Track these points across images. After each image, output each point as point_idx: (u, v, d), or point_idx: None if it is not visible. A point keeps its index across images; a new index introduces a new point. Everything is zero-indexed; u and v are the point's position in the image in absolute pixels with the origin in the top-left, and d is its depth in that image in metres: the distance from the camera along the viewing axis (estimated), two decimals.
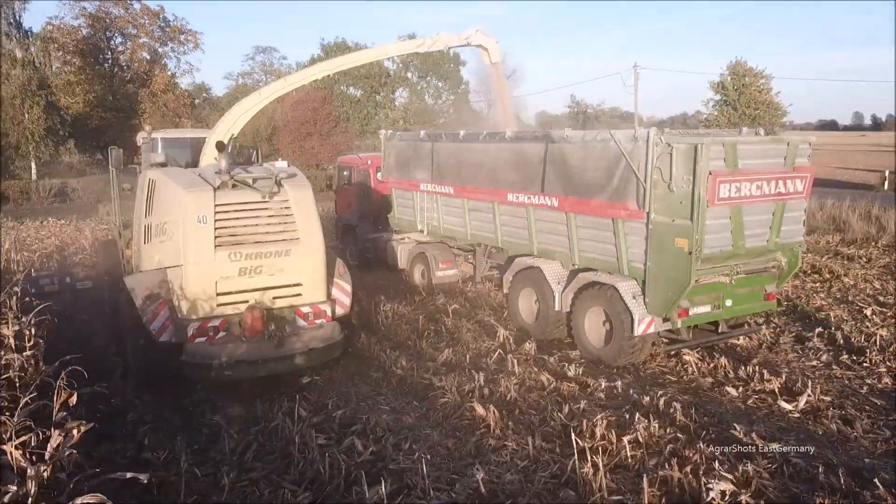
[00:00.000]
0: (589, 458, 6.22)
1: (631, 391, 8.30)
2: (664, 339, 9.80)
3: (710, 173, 8.17)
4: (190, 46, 49.56)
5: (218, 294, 8.38)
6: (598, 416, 7.13)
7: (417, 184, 13.49)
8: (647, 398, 7.96)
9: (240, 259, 8.40)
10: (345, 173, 17.36)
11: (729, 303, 9.30)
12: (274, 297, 8.66)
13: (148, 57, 48.01)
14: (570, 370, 9.07)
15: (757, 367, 9.09)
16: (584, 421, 7.18)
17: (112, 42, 47.31)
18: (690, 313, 9.06)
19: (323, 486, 6.22)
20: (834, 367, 9.48)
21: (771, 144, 9.08)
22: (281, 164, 9.55)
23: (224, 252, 8.33)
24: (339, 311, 9.24)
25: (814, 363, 9.68)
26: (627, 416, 7.38)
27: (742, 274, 9.28)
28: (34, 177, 36.67)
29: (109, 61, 47.46)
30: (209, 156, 11.18)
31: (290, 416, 7.43)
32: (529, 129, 13.33)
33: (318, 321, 8.89)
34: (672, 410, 7.59)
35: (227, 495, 6.15)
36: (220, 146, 9.34)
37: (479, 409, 7.54)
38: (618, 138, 9.04)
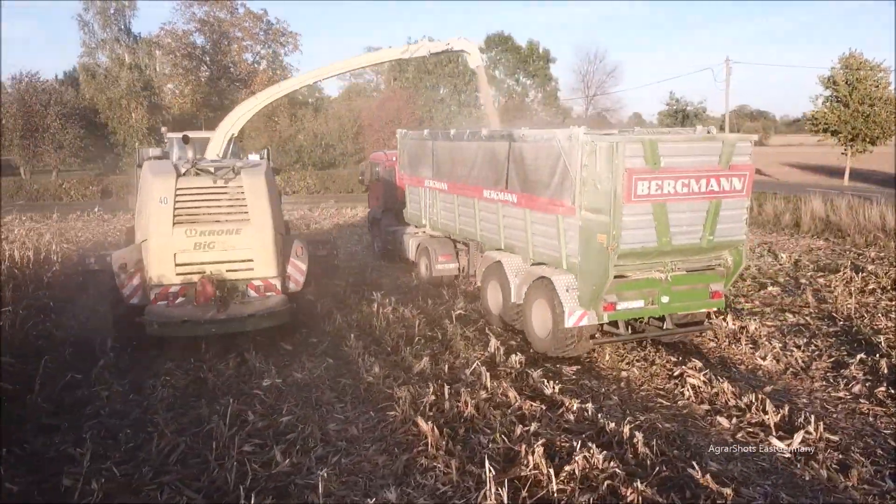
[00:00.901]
0: (499, 490, 5.61)
1: (600, 416, 7.51)
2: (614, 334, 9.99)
3: (626, 171, 8.35)
4: (290, 48, 51.44)
5: (177, 265, 9.62)
6: (538, 443, 6.47)
7: (423, 180, 14.15)
8: (613, 424, 7.17)
9: (194, 235, 9.63)
10: (375, 169, 17.89)
11: (665, 299, 9.36)
12: (228, 270, 9.84)
13: (250, 59, 50.30)
14: (550, 388, 8.35)
15: (761, 396, 8.00)
16: (524, 446, 6.54)
17: (219, 45, 49.75)
18: (619, 308, 9.23)
19: (222, 497, 5.99)
20: (862, 400, 8.24)
21: (701, 143, 9.10)
22: (253, 157, 11.17)
23: (181, 229, 9.59)
24: (293, 286, 10.38)
25: (841, 394, 8.47)
26: (577, 444, 6.66)
27: (681, 271, 9.41)
28: None
29: (215, 64, 49.97)
30: (212, 151, 12.49)
31: (226, 420, 7.25)
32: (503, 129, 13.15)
33: (268, 294, 10.01)
34: (635, 440, 6.78)
35: (132, 497, 6.05)
36: (186, 139, 10.98)
37: (423, 426, 7.05)
38: (558, 137, 9.35)
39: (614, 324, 9.98)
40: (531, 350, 10.15)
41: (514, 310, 10.67)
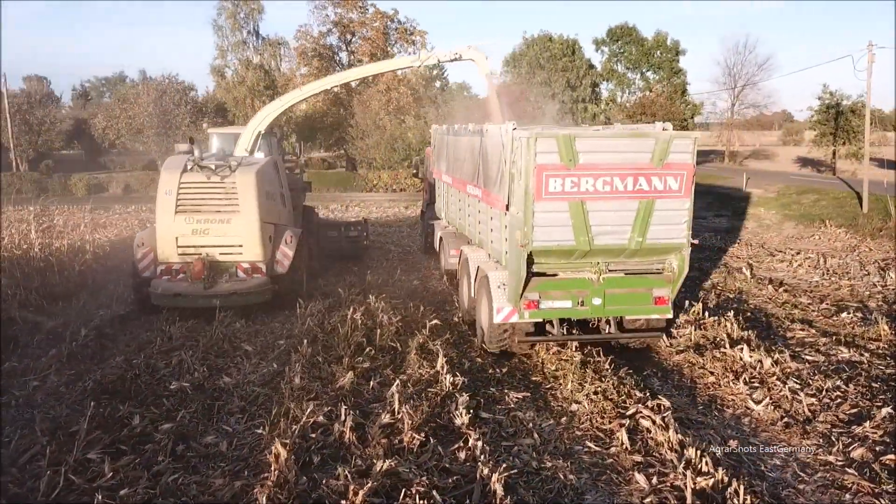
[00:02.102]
0: None
1: (481, 454, 6.37)
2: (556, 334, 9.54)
3: (536, 167, 8.14)
4: (417, 46, 51.86)
5: (178, 247, 11.22)
6: (353, 487, 5.54)
7: (441, 174, 14.26)
8: (487, 469, 6.03)
9: (192, 222, 11.18)
10: (426, 164, 17.97)
11: (597, 301, 8.95)
12: (221, 253, 11.34)
13: (381, 57, 51.27)
14: (461, 417, 7.27)
15: (708, 453, 6.42)
16: (369, 485, 5.65)
17: (349, 45, 51.30)
18: (542, 307, 8.91)
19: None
20: (851, 471, 6.41)
21: (628, 139, 8.62)
22: (259, 155, 12.94)
23: (182, 216, 11.17)
24: (279, 269, 11.81)
25: (830, 458, 6.69)
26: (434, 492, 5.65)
27: (618, 273, 9.01)
28: None
29: (345, 63, 51.58)
30: (241, 146, 13.46)
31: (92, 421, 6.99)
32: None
33: (254, 275, 11.46)
34: (496, 492, 5.64)
35: None
36: (191, 140, 12.27)
37: (278, 450, 6.32)
38: (501, 132, 9.02)
39: (588, 325, 9.76)
40: (484, 368, 9.18)
41: (471, 304, 10.79)
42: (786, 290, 13.69)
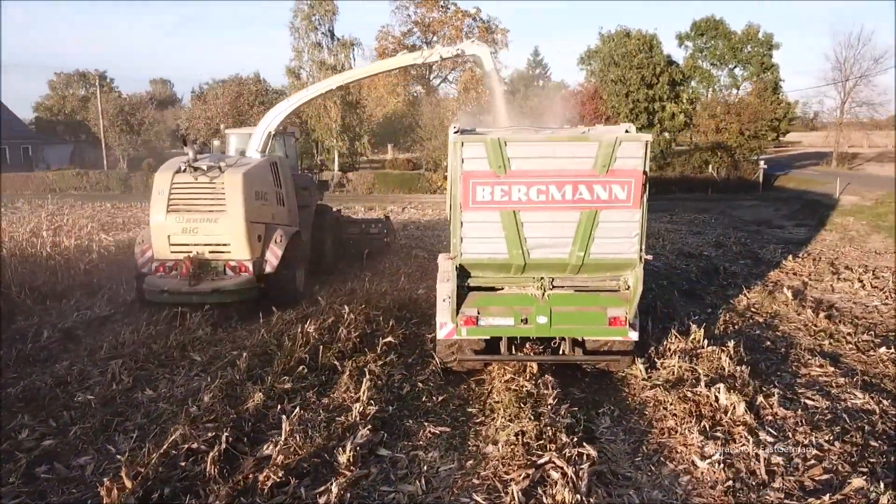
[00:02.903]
0: None
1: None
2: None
3: (463, 174, 7.56)
4: (499, 45, 50.97)
5: (171, 244, 11.47)
6: None
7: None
8: None
9: (182, 221, 11.38)
10: None
11: (542, 320, 8.15)
12: (210, 252, 11.52)
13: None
14: (345, 454, 6.50)
15: None
16: None
17: (430, 45, 51.18)
18: (481, 323, 8.20)
19: None
20: None
21: (567, 144, 7.72)
22: (254, 155, 13.01)
23: (173, 215, 11.38)
24: (268, 268, 11.86)
25: None
26: None
27: (567, 289, 8.23)
28: (336, 169, 41.96)
29: (424, 64, 51.44)
30: (252, 146, 13.64)
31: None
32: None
33: (242, 274, 11.55)
34: None
35: None
36: (185, 141, 12.52)
37: (110, 485, 5.80)
38: (450, 135, 8.23)
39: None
40: (419, 395, 8.38)
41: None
42: (828, 316, 11.92)
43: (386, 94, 47.66)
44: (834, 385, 8.68)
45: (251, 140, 14.25)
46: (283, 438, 6.75)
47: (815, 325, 11.53)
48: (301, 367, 8.86)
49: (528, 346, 9.62)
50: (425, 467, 6.56)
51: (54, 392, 8.24)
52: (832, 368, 9.26)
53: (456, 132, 7.97)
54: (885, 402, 8.06)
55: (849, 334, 10.98)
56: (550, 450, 6.62)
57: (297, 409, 7.59)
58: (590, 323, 8.24)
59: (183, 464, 6.39)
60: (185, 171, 11.59)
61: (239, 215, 11.42)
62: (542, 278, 8.11)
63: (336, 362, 9.09)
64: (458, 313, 8.11)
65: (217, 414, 7.46)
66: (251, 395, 7.88)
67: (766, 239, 22.44)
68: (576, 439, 6.84)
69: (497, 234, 7.75)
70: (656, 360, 9.34)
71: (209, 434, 6.85)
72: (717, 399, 7.82)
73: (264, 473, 6.15)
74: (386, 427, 7.42)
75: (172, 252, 11.51)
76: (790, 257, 17.96)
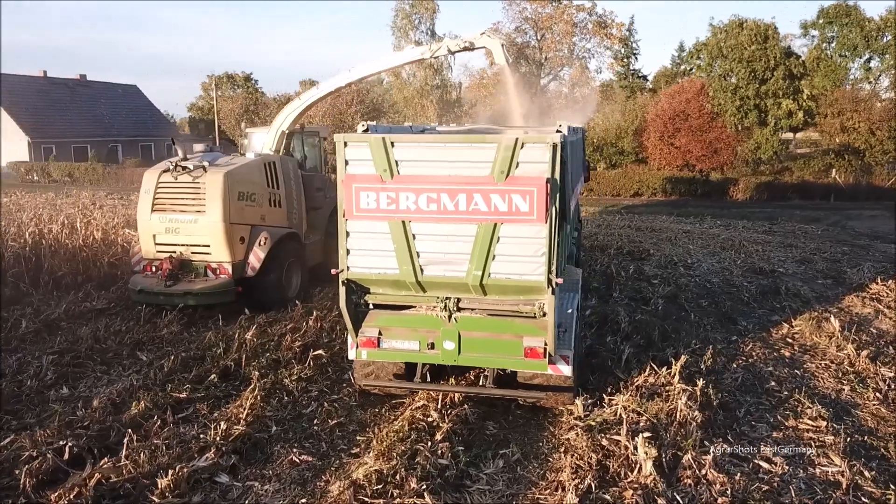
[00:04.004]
0: None
1: None
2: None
3: (345, 177, 6.90)
4: (613, 40, 48.56)
5: (156, 244, 11.53)
6: None
7: None
8: None
9: (165, 221, 11.41)
10: None
11: (449, 346, 7.22)
12: (192, 252, 11.44)
13: (567, 52, 49.02)
14: (166, 475, 6.02)
15: None
16: None
17: (541, 41, 49.76)
18: (383, 346, 7.36)
19: None
20: None
21: (461, 146, 6.75)
22: (250, 155, 12.75)
23: (157, 215, 11.43)
24: (249, 272, 11.58)
25: None
26: None
27: (478, 313, 7.19)
28: None
29: (535, 60, 50.12)
30: (267, 145, 13.67)
31: None
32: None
33: (221, 277, 11.40)
34: None
35: None
36: (173, 141, 12.51)
37: None
38: None
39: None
40: (312, 418, 7.72)
41: None
42: (874, 357, 9.87)
43: (492, 92, 46.90)
44: (813, 445, 7.06)
45: (265, 140, 14.29)
46: (122, 454, 6.39)
47: (850, 366, 9.60)
48: (213, 376, 8.49)
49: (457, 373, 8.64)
50: (254, 501, 5.93)
51: None
52: (826, 423, 7.56)
53: (365, 131, 7.26)
54: (865, 473, 6.42)
55: (889, 380, 9.02)
56: (390, 494, 5.77)
57: (170, 423, 7.22)
58: (503, 352, 7.19)
59: (16, 471, 6.19)
60: (173, 170, 11.59)
61: (217, 216, 11.25)
62: (447, 298, 7.16)
63: (257, 373, 8.62)
64: (356, 333, 7.39)
65: (92, 421, 7.25)
66: (139, 403, 7.60)
67: (868, 256, 19.46)
68: (424, 486, 5.92)
69: (387, 248, 6.95)
70: (606, 395, 8.07)
71: (61, 442, 6.64)
72: (635, 450, 6.55)
73: (75, 493, 5.80)
74: (254, 450, 6.87)
75: (158, 251, 11.54)
76: (879, 279, 15.35)
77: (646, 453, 6.40)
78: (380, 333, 7.34)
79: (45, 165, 47.74)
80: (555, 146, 6.45)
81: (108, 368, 9.19)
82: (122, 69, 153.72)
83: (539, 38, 50.42)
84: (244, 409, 7.42)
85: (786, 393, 8.58)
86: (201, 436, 6.94)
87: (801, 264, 17.75)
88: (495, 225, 6.63)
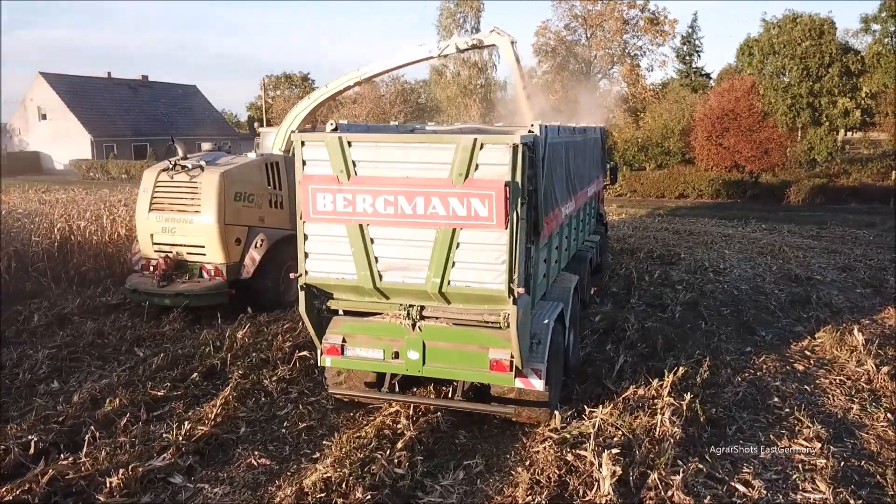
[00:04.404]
0: None
1: None
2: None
3: (302, 177, 6.73)
4: (665, 37, 47.31)
5: (154, 243, 11.49)
6: None
7: None
8: None
9: (162, 220, 11.41)
10: None
11: (413, 355, 6.95)
12: (188, 253, 11.40)
13: (618, 50, 47.99)
14: (118, 474, 6.03)
15: None
16: None
17: (589, 38, 48.91)
18: (347, 353, 7.14)
19: None
20: None
21: (420, 147, 6.49)
22: (251, 155, 12.56)
23: (154, 214, 11.43)
24: (244, 274, 11.47)
25: None
26: None
27: (443, 322, 6.85)
28: None
29: (584, 58, 49.27)
30: (276, 146, 13.73)
31: None
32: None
33: (215, 278, 11.34)
34: None
35: None
36: (173, 140, 12.63)
37: None
38: None
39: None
40: (282, 420, 7.65)
41: None
42: (892, 374, 9.21)
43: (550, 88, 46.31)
44: (801, 468, 6.60)
45: (275, 139, 14.29)
46: (83, 452, 6.46)
47: (867, 383, 8.98)
48: (196, 375, 8.54)
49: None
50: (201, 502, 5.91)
51: None
52: (822, 445, 7.06)
53: (333, 129, 7.06)
54: (852, 502, 5.95)
55: None
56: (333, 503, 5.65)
57: (141, 421, 7.29)
58: (469, 364, 6.87)
59: None
60: (171, 169, 11.53)
61: (211, 217, 11.13)
62: (410, 306, 6.89)
63: (239, 372, 8.64)
64: (320, 340, 7.21)
65: (66, 416, 7.37)
66: (114, 399, 7.70)
67: None
68: (370, 496, 5.77)
69: (345, 252, 6.73)
70: (589, 407, 7.74)
71: (30, 437, 6.76)
72: (600, 467, 6.24)
73: (25, 488, 5.88)
74: (217, 451, 6.86)
75: (155, 251, 11.52)
76: None
77: (608, 471, 6.10)
78: (344, 341, 7.13)
79: (105, 163, 49.62)
80: (516, 147, 6.08)
81: (103, 364, 9.35)
82: (186, 70, 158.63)
83: (588, 35, 49.62)
84: (215, 409, 7.41)
85: (787, 410, 8.08)
86: (164, 435, 6.95)
87: (842, 272, 16.81)
88: (454, 230, 6.34)
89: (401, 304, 6.90)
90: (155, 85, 63.94)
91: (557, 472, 6.29)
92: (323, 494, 5.83)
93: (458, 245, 6.37)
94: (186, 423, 7.10)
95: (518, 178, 6.15)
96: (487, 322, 6.71)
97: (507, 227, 6.19)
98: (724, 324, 11.84)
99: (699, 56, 56.09)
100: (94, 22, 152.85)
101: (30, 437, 6.76)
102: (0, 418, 7.52)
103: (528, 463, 6.65)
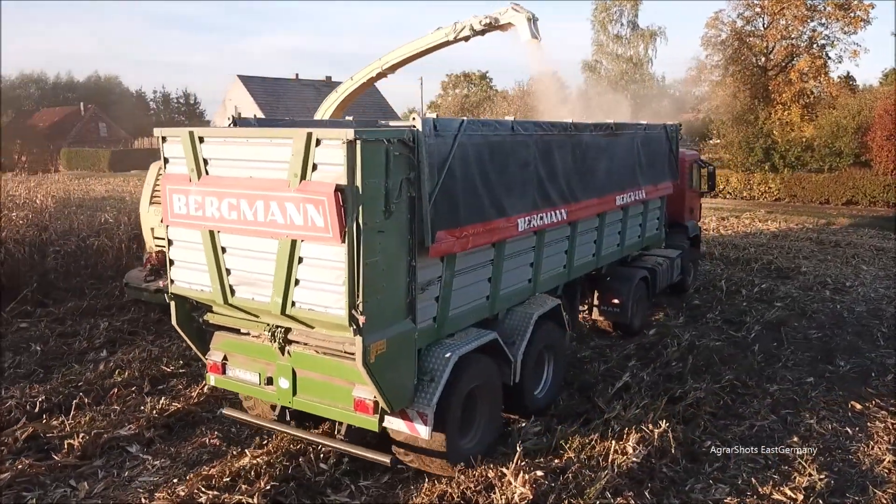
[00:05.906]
0: None
1: None
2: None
3: (163, 177, 6.16)
4: (854, 25, 41.89)
5: (154, 238, 11.08)
6: None
7: None
8: None
9: (160, 214, 10.59)
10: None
11: (284, 384, 6.16)
12: None
13: (798, 40, 43.33)
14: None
15: None
16: None
17: (766, 28, 44.76)
18: (228, 373, 6.55)
19: None
20: None
21: (260, 143, 5.58)
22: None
23: (153, 207, 10.95)
24: None
25: None
26: None
27: (310, 349, 5.94)
28: None
29: (759, 51, 45.14)
30: None
31: None
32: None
33: None
34: None
35: None
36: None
37: None
38: None
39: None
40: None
41: None
42: None
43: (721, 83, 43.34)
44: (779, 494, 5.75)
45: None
46: (70, 416, 7.25)
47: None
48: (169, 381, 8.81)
49: None
50: (136, 474, 6.42)
51: None
52: (811, 499, 6.08)
53: (229, 124, 6.69)
54: None
55: None
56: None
57: (143, 393, 8.02)
58: (335, 400, 5.93)
59: None
60: None
61: None
62: (277, 327, 6.03)
63: None
64: (203, 354, 6.73)
65: (85, 381, 8.30)
66: (124, 371, 8.54)
67: None
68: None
69: (200, 260, 6.05)
70: (558, 423, 7.26)
71: (41, 398, 7.70)
72: (510, 484, 5.88)
73: (7, 440, 6.75)
74: (185, 428, 7.37)
75: (156, 245, 11.10)
76: None
77: (525, 493, 5.74)
78: (225, 359, 6.58)
79: None
80: (352, 144, 5.01)
81: (154, 339, 10.31)
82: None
83: (766, 24, 45.44)
84: (198, 389, 7.97)
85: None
86: (141, 407, 7.60)
87: None
88: (293, 242, 5.43)
89: (266, 325, 6.13)
90: (337, 85, 68.53)
91: (473, 487, 6.00)
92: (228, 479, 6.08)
93: (300, 260, 5.47)
94: (165, 398, 7.70)
95: (358, 182, 5.10)
96: (349, 353, 5.59)
97: (343, 241, 5.15)
98: (803, 349, 10.47)
99: None
100: (316, 27, 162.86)
101: (41, 397, 7.71)
102: (39, 378, 8.64)
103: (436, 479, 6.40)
